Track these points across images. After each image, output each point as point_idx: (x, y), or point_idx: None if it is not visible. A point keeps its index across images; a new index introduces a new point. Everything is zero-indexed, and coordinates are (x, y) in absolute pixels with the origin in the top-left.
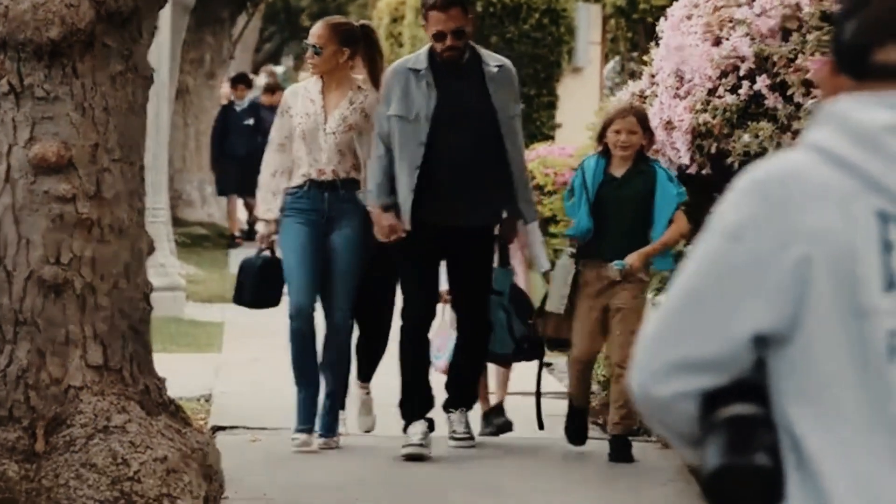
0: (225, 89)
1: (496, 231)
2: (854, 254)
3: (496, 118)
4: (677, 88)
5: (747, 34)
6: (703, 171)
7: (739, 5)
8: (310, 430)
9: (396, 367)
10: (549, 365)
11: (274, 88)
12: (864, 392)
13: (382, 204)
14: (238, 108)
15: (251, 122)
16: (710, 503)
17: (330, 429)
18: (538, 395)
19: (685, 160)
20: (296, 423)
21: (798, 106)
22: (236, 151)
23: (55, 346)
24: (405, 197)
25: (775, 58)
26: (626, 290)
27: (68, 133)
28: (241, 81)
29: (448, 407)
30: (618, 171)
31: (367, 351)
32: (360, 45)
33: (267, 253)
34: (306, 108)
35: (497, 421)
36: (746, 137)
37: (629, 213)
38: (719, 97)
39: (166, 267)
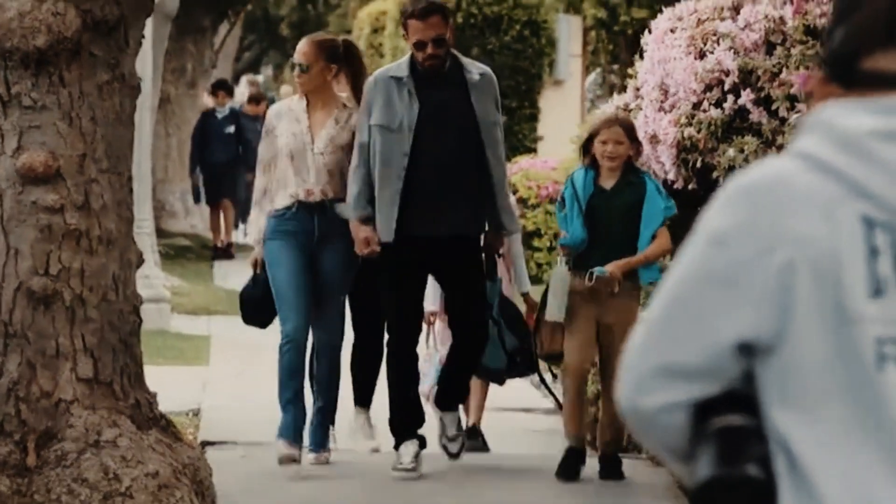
0: (205, 97)
1: (482, 242)
2: (839, 259)
3: (478, 126)
4: (662, 102)
5: (731, 48)
6: (689, 186)
7: (723, 19)
8: (294, 442)
9: (383, 383)
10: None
11: (258, 99)
12: (854, 401)
13: (360, 216)
14: (219, 116)
15: (232, 129)
16: None
17: (321, 444)
18: (542, 379)
19: (671, 174)
20: (281, 433)
21: (783, 120)
22: (217, 159)
23: (45, 359)
24: (388, 208)
25: (759, 72)
26: (617, 306)
27: (56, 143)
28: (221, 88)
29: (441, 409)
30: (607, 182)
31: (362, 372)
32: (343, 61)
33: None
34: (292, 127)
35: (472, 443)
36: (731, 152)
37: (619, 225)
38: (704, 111)
39: (151, 279)
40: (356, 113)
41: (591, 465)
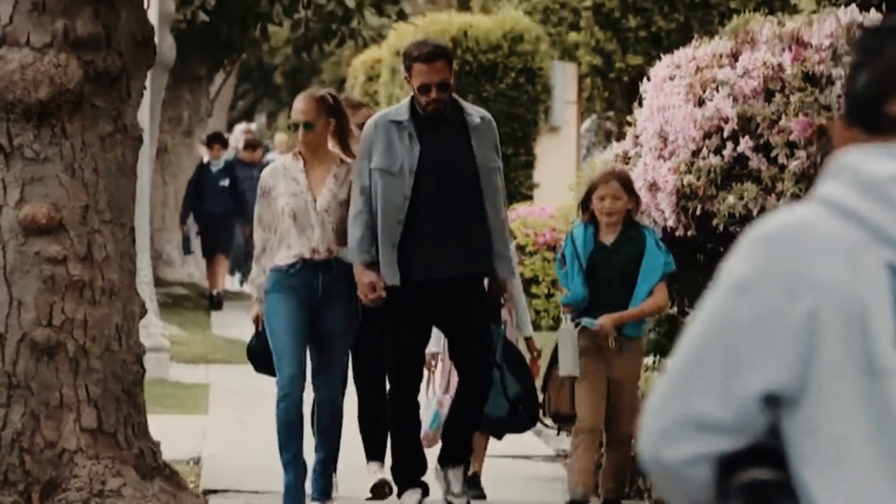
0: (201, 148)
1: (485, 285)
2: (864, 308)
3: (478, 171)
4: (661, 149)
5: (730, 95)
6: (689, 233)
7: (722, 66)
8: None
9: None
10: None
11: (255, 145)
12: (882, 455)
13: (364, 261)
14: (214, 169)
15: (226, 182)
16: None
17: (324, 492)
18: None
19: (670, 222)
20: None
21: (782, 167)
22: (212, 211)
23: (49, 410)
24: (390, 252)
25: (758, 119)
26: (624, 361)
27: (58, 194)
28: (216, 141)
29: (443, 462)
30: (607, 238)
31: (371, 427)
32: (335, 114)
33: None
34: (291, 187)
35: (472, 492)
36: (731, 199)
37: (619, 280)
38: (703, 158)
39: (150, 328)
40: (353, 168)
41: None
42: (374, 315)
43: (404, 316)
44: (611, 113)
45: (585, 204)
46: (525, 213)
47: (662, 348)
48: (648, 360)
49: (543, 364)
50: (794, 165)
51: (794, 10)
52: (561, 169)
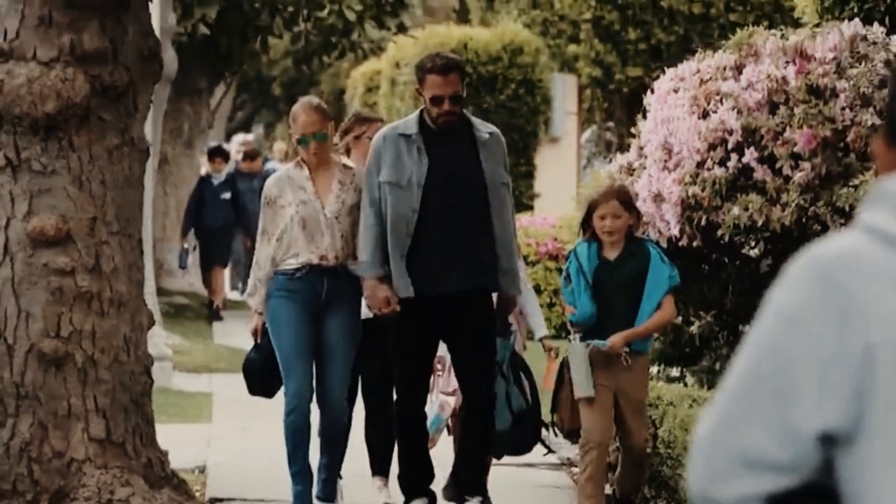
0: (202, 161)
1: (494, 300)
2: None
3: (486, 186)
4: (666, 161)
5: (734, 107)
6: (693, 243)
7: (726, 79)
8: None
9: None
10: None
11: (254, 155)
12: None
13: (377, 275)
14: (215, 182)
15: (228, 195)
16: None
17: (329, 495)
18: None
19: (675, 232)
20: None
21: (787, 178)
22: (213, 224)
23: (57, 420)
24: (398, 264)
25: (763, 130)
26: (632, 378)
27: (66, 206)
28: (218, 154)
29: (462, 495)
30: (611, 254)
31: (377, 442)
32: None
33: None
34: (299, 196)
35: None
36: (736, 210)
37: (625, 295)
38: (708, 170)
39: (153, 337)
40: (359, 172)
41: None
42: (381, 328)
43: (412, 328)
44: (611, 124)
45: (586, 222)
46: (527, 223)
47: (667, 357)
48: (653, 369)
49: (551, 374)
50: (798, 177)
51: (796, 24)
52: (561, 179)
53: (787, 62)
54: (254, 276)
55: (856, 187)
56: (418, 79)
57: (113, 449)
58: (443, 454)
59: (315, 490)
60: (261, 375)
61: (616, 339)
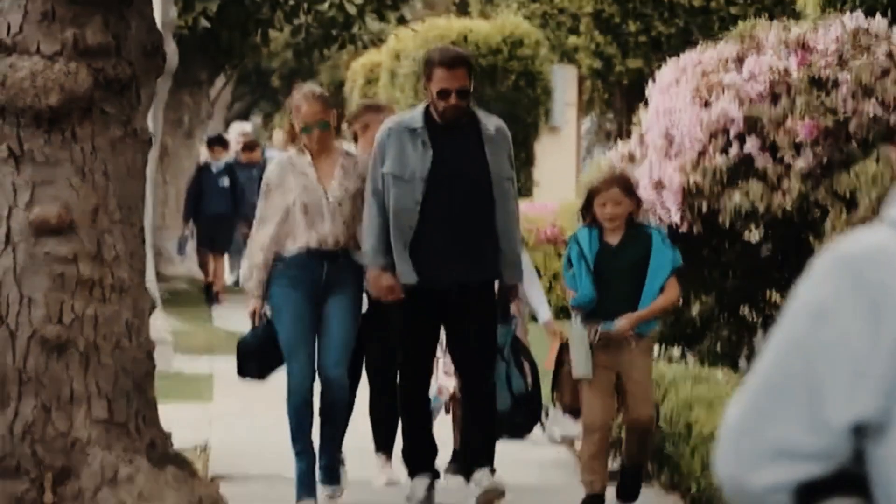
0: (202, 150)
1: (496, 290)
2: None
3: (490, 180)
4: (667, 149)
5: (736, 98)
6: (694, 230)
7: (728, 70)
8: (313, 499)
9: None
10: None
11: (252, 146)
12: None
13: (381, 264)
14: (214, 170)
15: (226, 183)
16: None
17: (332, 477)
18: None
19: (676, 219)
20: (297, 493)
21: (788, 166)
22: (212, 211)
23: (60, 403)
24: (401, 252)
25: (764, 120)
26: (634, 360)
27: (68, 196)
28: (217, 143)
29: (470, 467)
30: (612, 238)
31: (381, 420)
32: None
33: (260, 324)
34: (301, 181)
35: (456, 466)
36: (737, 196)
37: (627, 279)
38: (709, 158)
39: (153, 321)
40: (362, 159)
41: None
42: (385, 309)
43: (415, 314)
44: (610, 114)
45: (587, 208)
46: (526, 209)
47: (669, 338)
48: (655, 349)
49: (544, 358)
50: (799, 165)
51: (795, 15)
52: (561, 168)
53: (790, 54)
54: (249, 261)
55: (857, 174)
56: (425, 72)
57: (116, 430)
58: (443, 435)
59: (318, 476)
60: (254, 358)
61: (624, 322)
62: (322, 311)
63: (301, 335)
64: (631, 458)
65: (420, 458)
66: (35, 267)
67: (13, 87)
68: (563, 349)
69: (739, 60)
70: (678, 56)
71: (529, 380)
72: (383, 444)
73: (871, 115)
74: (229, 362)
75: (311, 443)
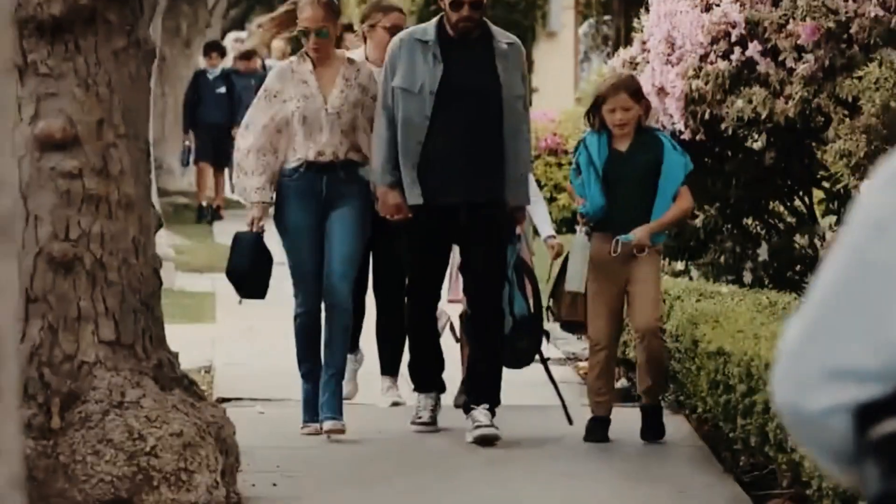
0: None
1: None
2: None
3: (501, 97)
4: (668, 55)
5: (737, 1)
6: (697, 137)
7: None
8: (318, 423)
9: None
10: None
11: (250, 55)
12: None
13: (389, 182)
14: (210, 77)
15: (223, 90)
16: None
17: (336, 410)
18: (557, 391)
19: (679, 126)
20: (304, 416)
21: (790, 71)
22: (210, 119)
23: (67, 323)
24: (409, 172)
25: (766, 23)
26: (641, 264)
27: (73, 109)
28: (214, 49)
29: (470, 404)
30: (621, 145)
31: (388, 343)
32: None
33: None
34: (301, 90)
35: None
36: (739, 103)
37: (638, 186)
38: (711, 63)
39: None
40: (364, 68)
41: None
42: (393, 230)
43: (423, 234)
44: (608, 17)
45: (593, 113)
46: None
47: (672, 251)
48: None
49: (554, 272)
50: (802, 68)
51: None
52: (559, 73)
53: None
54: (237, 171)
55: (860, 78)
56: None
57: (123, 351)
58: (449, 362)
59: (322, 413)
60: (249, 279)
61: (642, 234)
62: (326, 226)
63: (306, 257)
64: (647, 392)
65: (426, 376)
66: (41, 182)
67: None
68: (565, 262)
69: None
70: None
71: (532, 301)
72: (389, 367)
73: (873, 16)
74: None
75: (318, 364)
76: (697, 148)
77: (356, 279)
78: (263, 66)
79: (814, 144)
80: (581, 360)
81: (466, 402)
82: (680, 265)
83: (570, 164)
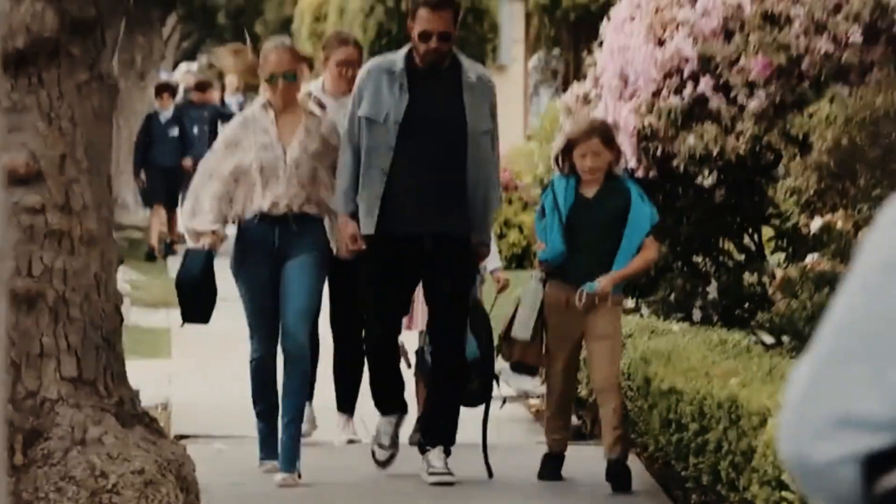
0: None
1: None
2: None
3: (466, 132)
4: (622, 90)
5: (690, 35)
6: (650, 174)
7: (682, 6)
8: (276, 461)
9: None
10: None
11: (205, 86)
12: None
13: (350, 210)
14: (163, 119)
15: (176, 132)
16: None
17: (290, 462)
18: (485, 444)
19: (631, 163)
20: (261, 453)
21: (741, 108)
22: (162, 162)
23: (30, 359)
24: (370, 202)
25: (718, 58)
26: (601, 318)
27: (36, 144)
28: (166, 90)
29: (425, 445)
30: (589, 191)
31: (344, 380)
32: None
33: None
34: (261, 139)
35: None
36: (691, 139)
37: (601, 234)
38: (664, 99)
39: None
40: (325, 119)
41: (575, 451)
42: (348, 268)
43: (381, 266)
44: (557, 50)
45: (564, 157)
46: None
47: (622, 288)
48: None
49: (505, 318)
50: (753, 105)
51: None
52: (509, 107)
53: None
54: (188, 214)
55: (811, 115)
56: (410, 12)
57: (85, 388)
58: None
59: (278, 462)
60: (194, 300)
61: (606, 282)
62: (281, 276)
63: (261, 304)
64: (611, 448)
65: (387, 397)
66: (5, 217)
67: None
68: (517, 306)
69: None
70: None
71: (484, 342)
72: (345, 404)
73: (823, 52)
74: None
75: (274, 403)
76: (649, 185)
77: (348, 327)
78: (223, 101)
79: (764, 181)
80: (532, 398)
81: (421, 442)
82: (630, 302)
83: (520, 199)
